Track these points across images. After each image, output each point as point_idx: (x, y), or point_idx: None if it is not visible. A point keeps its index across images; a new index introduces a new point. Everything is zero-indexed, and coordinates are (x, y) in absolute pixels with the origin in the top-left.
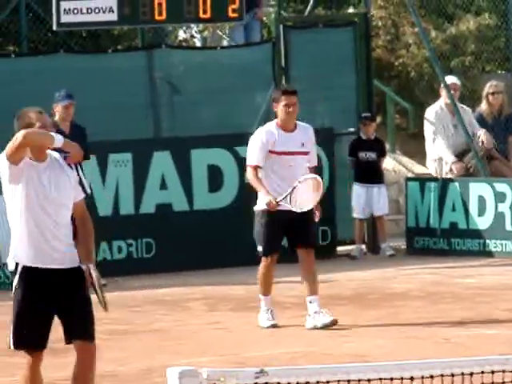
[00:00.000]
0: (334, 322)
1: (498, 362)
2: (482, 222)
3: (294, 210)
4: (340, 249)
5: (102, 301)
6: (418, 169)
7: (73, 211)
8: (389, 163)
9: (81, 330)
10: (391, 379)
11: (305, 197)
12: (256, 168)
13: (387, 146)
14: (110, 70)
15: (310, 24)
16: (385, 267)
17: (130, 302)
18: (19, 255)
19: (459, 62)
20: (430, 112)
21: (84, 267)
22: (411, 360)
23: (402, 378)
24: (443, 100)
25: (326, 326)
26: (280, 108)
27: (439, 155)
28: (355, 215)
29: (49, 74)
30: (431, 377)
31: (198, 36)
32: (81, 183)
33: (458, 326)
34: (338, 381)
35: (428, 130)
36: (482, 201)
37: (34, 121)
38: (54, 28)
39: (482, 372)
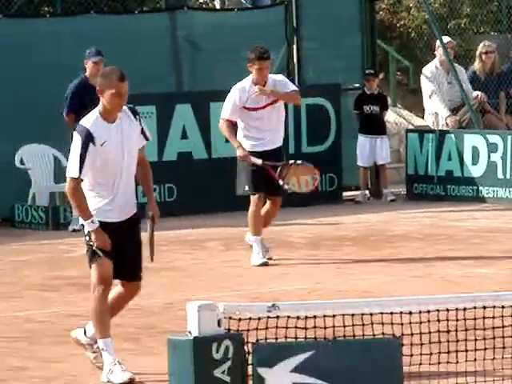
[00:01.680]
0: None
1: (489, 298)
2: (476, 171)
3: (281, 184)
4: (346, 194)
5: (152, 249)
6: (417, 121)
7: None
8: (390, 116)
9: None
10: (391, 313)
11: (294, 179)
12: (227, 121)
13: (389, 100)
14: (137, 29)
15: None
16: (386, 211)
17: (160, 242)
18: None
19: (455, 23)
20: (426, 70)
21: (150, 213)
22: (410, 296)
23: (401, 313)
24: (438, 59)
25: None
26: (254, 70)
27: (435, 110)
28: (360, 164)
29: (81, 33)
30: (428, 312)
31: None
32: (143, 131)
33: (453, 265)
34: (343, 315)
35: (425, 86)
36: (475, 151)
37: (113, 85)
38: None
39: (475, 307)
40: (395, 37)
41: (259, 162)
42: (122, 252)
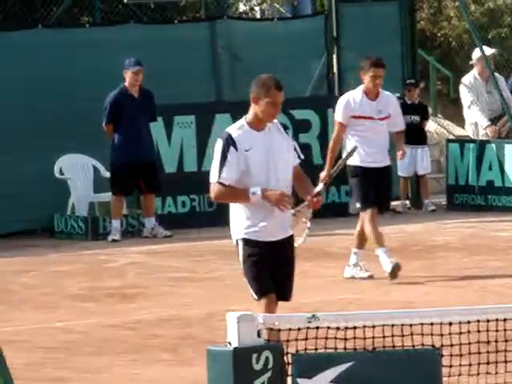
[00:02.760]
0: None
1: None
2: None
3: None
4: None
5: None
6: (458, 131)
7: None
8: (431, 126)
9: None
10: (431, 324)
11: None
12: (340, 125)
13: (430, 110)
14: (176, 39)
15: None
16: (427, 221)
17: (192, 252)
18: None
19: (496, 33)
20: (465, 80)
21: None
22: (450, 307)
23: (441, 323)
24: (476, 69)
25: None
26: (367, 78)
27: (475, 120)
28: (400, 173)
29: (120, 43)
30: (468, 322)
31: (257, 8)
32: (295, 149)
33: (493, 275)
34: (383, 325)
35: (464, 96)
36: None
37: (270, 95)
38: (125, 0)
39: None
40: (436, 46)
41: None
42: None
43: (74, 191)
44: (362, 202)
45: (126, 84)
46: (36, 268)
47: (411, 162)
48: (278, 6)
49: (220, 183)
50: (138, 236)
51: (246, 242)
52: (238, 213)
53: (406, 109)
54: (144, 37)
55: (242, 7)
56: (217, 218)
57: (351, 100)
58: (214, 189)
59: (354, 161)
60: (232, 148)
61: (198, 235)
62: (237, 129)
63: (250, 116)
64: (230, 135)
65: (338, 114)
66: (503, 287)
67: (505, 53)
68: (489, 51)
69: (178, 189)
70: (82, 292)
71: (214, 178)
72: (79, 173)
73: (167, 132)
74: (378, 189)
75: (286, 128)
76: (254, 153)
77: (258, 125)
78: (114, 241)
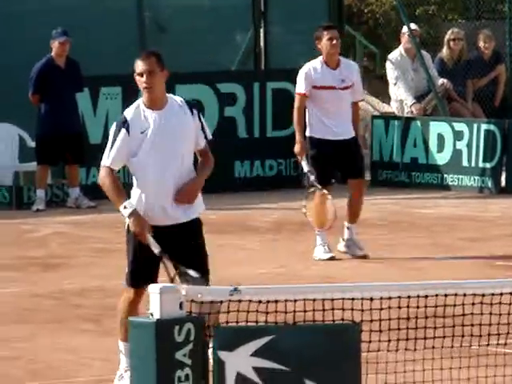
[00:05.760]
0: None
1: (451, 286)
2: (441, 158)
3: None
4: None
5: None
6: (383, 108)
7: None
8: None
9: None
10: (352, 299)
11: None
12: (302, 96)
13: None
14: (103, 9)
15: None
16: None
17: (116, 223)
18: None
19: (423, 10)
20: (391, 57)
21: None
22: (372, 282)
23: (362, 299)
24: (402, 46)
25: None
26: (323, 44)
27: (400, 97)
28: None
29: (46, 12)
30: (389, 298)
31: None
32: (203, 129)
33: (416, 252)
34: (304, 299)
35: (390, 73)
36: (441, 138)
37: (135, 67)
38: None
39: (436, 295)
40: (363, 22)
41: None
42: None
43: None
44: (316, 178)
45: (53, 54)
46: None
47: None
48: None
49: (108, 168)
50: (63, 206)
51: (131, 214)
52: (134, 191)
53: None
54: (71, 7)
55: None
56: None
57: (311, 70)
58: (101, 173)
59: (313, 132)
60: (124, 131)
61: None
62: (133, 110)
63: (143, 96)
64: (124, 118)
65: (300, 85)
66: (425, 264)
67: (432, 30)
68: (412, 26)
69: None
70: (5, 261)
71: (103, 161)
72: (5, 142)
73: (93, 103)
74: (343, 161)
75: (193, 106)
76: (149, 134)
77: (151, 104)
78: (38, 210)
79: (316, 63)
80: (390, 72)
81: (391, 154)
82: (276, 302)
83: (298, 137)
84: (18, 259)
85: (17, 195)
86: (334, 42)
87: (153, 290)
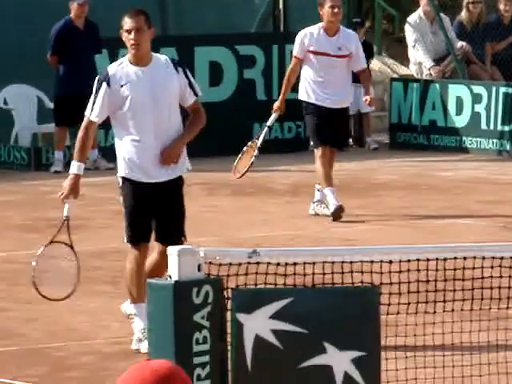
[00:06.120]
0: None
1: (470, 248)
2: (459, 121)
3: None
4: None
5: None
6: (402, 70)
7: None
8: (376, 64)
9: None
10: (371, 262)
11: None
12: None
13: (374, 49)
14: None
15: None
16: (369, 159)
17: None
18: None
19: None
20: (410, 20)
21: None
22: (391, 245)
23: (381, 261)
24: (422, 8)
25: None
26: (326, 11)
27: (419, 60)
28: None
29: None
30: (408, 261)
31: None
32: (191, 86)
33: (434, 215)
34: (323, 262)
35: (408, 36)
36: (459, 101)
37: (123, 24)
38: None
39: (455, 258)
40: None
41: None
42: (159, 215)
43: (17, 122)
44: (313, 139)
45: (72, 16)
46: None
47: (354, 99)
48: None
49: (89, 121)
50: None
51: (125, 180)
52: (119, 148)
53: None
54: None
55: None
56: None
57: (308, 34)
58: (83, 124)
59: (307, 97)
60: (104, 84)
61: None
62: (117, 65)
63: (129, 53)
64: (106, 72)
65: (295, 47)
66: (444, 227)
67: None
68: None
69: None
70: (24, 222)
71: (86, 113)
72: (23, 103)
73: None
74: (333, 127)
75: (179, 64)
76: (130, 88)
77: (135, 60)
78: (56, 172)
79: (314, 29)
80: (409, 35)
81: (410, 116)
82: (295, 264)
83: (281, 95)
84: (37, 220)
85: (35, 157)
86: (336, 10)
87: (171, 252)
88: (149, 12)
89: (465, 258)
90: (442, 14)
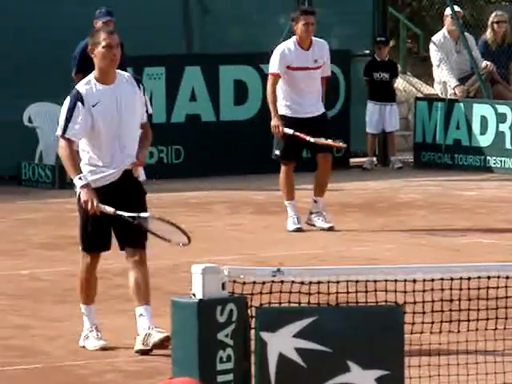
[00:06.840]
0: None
1: (494, 268)
2: (484, 140)
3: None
4: (353, 160)
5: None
6: (427, 89)
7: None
8: (400, 83)
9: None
10: (395, 281)
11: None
12: (276, 76)
13: (399, 68)
14: None
15: None
16: (393, 178)
17: (158, 204)
18: None
19: None
20: (435, 39)
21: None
22: (415, 264)
23: (405, 281)
24: (446, 28)
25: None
26: (299, 28)
27: (443, 79)
28: (368, 130)
29: None
30: (432, 280)
31: None
32: (145, 103)
33: (458, 234)
34: (347, 281)
35: (433, 55)
36: (484, 120)
37: (101, 40)
38: None
39: (479, 277)
40: (407, 4)
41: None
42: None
43: (42, 139)
44: (281, 152)
45: None
46: (3, 215)
47: (379, 119)
48: None
49: (67, 139)
50: None
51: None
52: (82, 156)
53: (376, 66)
54: None
55: None
56: (184, 170)
57: (287, 51)
58: (60, 143)
59: (285, 111)
60: (79, 103)
61: (165, 186)
62: (84, 84)
63: (96, 71)
64: (77, 91)
65: (274, 64)
66: (468, 246)
67: (475, 12)
68: (456, 9)
69: None
70: (48, 240)
71: (59, 131)
72: (48, 121)
73: None
74: (320, 133)
75: (139, 81)
76: (102, 107)
77: (104, 79)
78: None
79: (290, 44)
80: (434, 54)
81: (434, 135)
82: (319, 283)
83: (273, 112)
84: (61, 238)
85: (60, 174)
86: (309, 28)
87: (195, 270)
88: (174, 30)
89: (489, 278)
90: (466, 34)
